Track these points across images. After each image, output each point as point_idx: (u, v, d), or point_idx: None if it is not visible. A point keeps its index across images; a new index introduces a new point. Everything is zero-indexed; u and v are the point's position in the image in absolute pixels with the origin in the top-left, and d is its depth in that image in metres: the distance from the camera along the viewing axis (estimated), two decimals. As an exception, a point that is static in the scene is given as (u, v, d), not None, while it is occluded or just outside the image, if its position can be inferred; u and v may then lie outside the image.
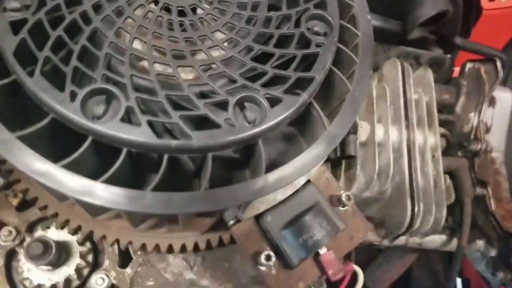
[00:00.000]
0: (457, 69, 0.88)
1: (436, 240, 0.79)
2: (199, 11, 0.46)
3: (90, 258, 0.59)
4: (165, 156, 0.39)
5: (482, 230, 0.80)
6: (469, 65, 0.83)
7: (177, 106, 0.41)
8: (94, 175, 0.38)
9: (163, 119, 0.39)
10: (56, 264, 0.55)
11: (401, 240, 0.78)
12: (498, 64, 0.79)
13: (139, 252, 0.59)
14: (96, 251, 0.61)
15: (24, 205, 0.60)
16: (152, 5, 0.46)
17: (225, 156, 0.49)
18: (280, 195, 0.49)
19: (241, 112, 0.41)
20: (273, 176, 0.41)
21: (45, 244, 0.51)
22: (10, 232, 0.58)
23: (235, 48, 0.44)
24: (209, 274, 0.60)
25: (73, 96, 0.38)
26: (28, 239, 0.56)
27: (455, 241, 0.78)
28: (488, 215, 0.79)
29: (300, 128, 0.48)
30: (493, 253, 0.81)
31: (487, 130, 0.81)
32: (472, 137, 0.80)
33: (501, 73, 0.78)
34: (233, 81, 0.42)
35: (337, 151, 0.67)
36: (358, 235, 0.52)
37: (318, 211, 0.50)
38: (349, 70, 0.48)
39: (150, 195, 0.38)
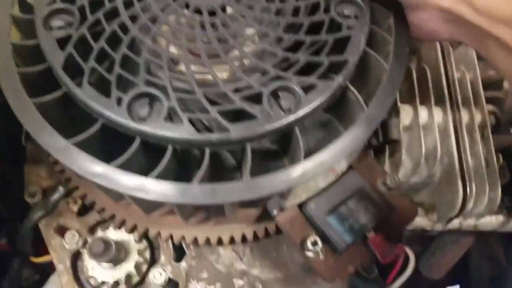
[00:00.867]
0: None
1: (492, 221, 0.76)
2: (228, 9, 0.48)
3: (147, 254, 0.62)
4: (207, 150, 0.41)
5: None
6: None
7: (214, 104, 0.43)
8: (144, 173, 0.41)
9: (204, 115, 0.41)
10: (116, 261, 0.58)
11: (455, 223, 0.76)
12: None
13: (192, 247, 0.62)
14: (152, 248, 0.64)
15: (84, 211, 0.64)
16: (184, 10, 0.48)
17: (263, 149, 0.50)
18: (322, 182, 0.50)
19: (276, 102, 0.42)
20: (312, 161, 0.41)
21: (106, 242, 0.55)
22: (73, 235, 0.62)
23: (265, 40, 0.45)
24: (258, 264, 0.62)
25: (119, 101, 0.41)
26: (90, 240, 0.60)
27: (513, 221, 0.75)
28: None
29: (338, 114, 0.49)
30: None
31: (539, 103, 0.77)
32: (523, 112, 0.77)
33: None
34: (267, 73, 0.43)
35: (379, 136, 0.66)
36: (407, 217, 0.51)
37: (362, 195, 0.50)
38: (385, 50, 0.47)
39: (197, 187, 0.40)
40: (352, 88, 0.44)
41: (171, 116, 0.42)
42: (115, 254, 0.56)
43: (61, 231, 0.63)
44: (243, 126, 0.40)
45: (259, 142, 0.52)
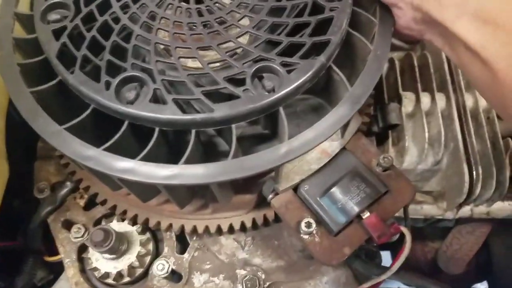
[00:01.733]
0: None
1: (505, 207, 0.73)
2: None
3: (150, 246, 0.63)
4: (193, 131, 0.42)
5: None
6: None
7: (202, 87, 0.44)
8: (135, 157, 0.42)
9: (188, 96, 0.42)
10: (118, 252, 0.59)
11: (466, 211, 0.74)
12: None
13: (194, 238, 0.63)
14: (156, 240, 0.65)
15: (90, 205, 0.66)
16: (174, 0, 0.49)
17: (256, 134, 0.51)
18: (316, 165, 0.50)
19: (260, 82, 0.42)
20: (297, 140, 0.41)
21: (106, 231, 0.56)
22: (79, 229, 0.64)
23: (249, 24, 0.46)
24: (260, 253, 0.62)
25: (108, 85, 0.42)
26: (92, 231, 0.62)
27: (529, 208, 0.72)
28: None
29: (326, 96, 0.49)
30: None
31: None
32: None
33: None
34: (251, 54, 0.44)
35: (379, 122, 0.65)
36: (404, 197, 0.50)
37: (355, 175, 0.49)
38: (370, 32, 0.48)
39: (183, 168, 0.40)
40: (336, 68, 0.44)
41: (161, 100, 0.43)
42: (115, 243, 0.57)
43: (68, 225, 0.65)
44: (227, 106, 0.41)
45: (252, 127, 0.52)
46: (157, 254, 0.65)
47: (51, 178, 0.68)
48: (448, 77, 0.70)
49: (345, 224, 0.48)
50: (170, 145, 0.46)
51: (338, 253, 0.48)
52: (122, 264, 0.61)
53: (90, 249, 0.61)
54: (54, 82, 0.45)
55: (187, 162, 0.41)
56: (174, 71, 0.46)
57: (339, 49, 0.45)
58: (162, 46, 0.46)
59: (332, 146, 0.50)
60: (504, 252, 0.92)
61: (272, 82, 0.42)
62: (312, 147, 0.42)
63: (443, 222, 0.82)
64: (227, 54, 0.44)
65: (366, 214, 0.48)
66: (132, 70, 0.43)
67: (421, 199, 0.76)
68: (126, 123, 0.42)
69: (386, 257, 0.75)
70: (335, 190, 0.48)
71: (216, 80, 0.42)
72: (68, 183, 0.66)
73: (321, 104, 0.51)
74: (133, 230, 0.63)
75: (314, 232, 0.48)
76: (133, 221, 0.60)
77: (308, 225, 0.47)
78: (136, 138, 0.44)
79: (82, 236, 0.64)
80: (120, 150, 0.42)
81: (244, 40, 0.47)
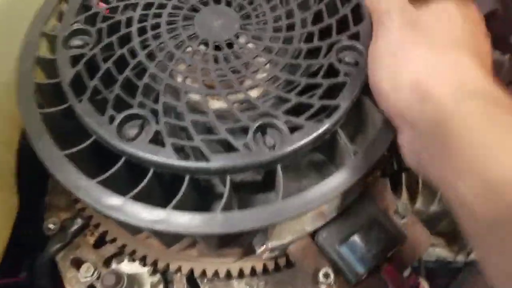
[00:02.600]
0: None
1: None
2: (234, 45, 0.49)
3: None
4: (187, 177, 0.41)
5: None
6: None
7: (211, 133, 0.44)
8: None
9: (187, 142, 0.42)
10: (129, 295, 0.58)
11: None
12: None
13: (205, 281, 0.61)
14: (166, 281, 0.62)
15: (100, 242, 0.64)
16: (195, 46, 0.49)
17: (256, 181, 0.50)
18: (310, 226, 0.48)
19: (262, 137, 0.42)
20: (292, 201, 0.40)
21: (118, 275, 0.55)
22: (89, 268, 0.61)
23: (264, 77, 0.46)
24: None
25: (111, 120, 0.43)
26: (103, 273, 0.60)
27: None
28: None
29: (330, 155, 0.48)
30: None
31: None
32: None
33: None
34: (257, 108, 0.43)
35: (394, 163, 0.64)
36: (420, 247, 0.49)
37: (374, 224, 0.48)
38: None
39: (170, 214, 0.40)
40: (341, 133, 0.43)
41: (163, 142, 0.43)
42: (126, 287, 0.56)
43: (77, 263, 0.63)
44: (224, 157, 0.40)
45: (253, 174, 0.52)
46: (166, 295, 0.63)
47: (61, 215, 0.66)
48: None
49: (364, 275, 0.46)
50: (166, 186, 0.45)
51: None
52: (132, 306, 0.59)
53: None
54: (62, 107, 0.46)
55: (178, 207, 0.40)
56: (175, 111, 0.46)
57: (350, 113, 0.44)
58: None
59: (330, 209, 0.49)
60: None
61: (274, 139, 0.41)
62: (307, 210, 0.41)
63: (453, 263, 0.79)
64: (235, 105, 0.44)
65: (385, 265, 0.46)
66: (139, 108, 0.43)
67: (434, 241, 0.74)
68: (122, 159, 0.42)
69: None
70: (355, 239, 0.47)
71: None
72: (79, 220, 0.64)
73: (323, 161, 0.50)
74: (144, 271, 0.61)
75: (332, 282, 0.46)
76: (143, 262, 0.58)
77: (326, 275, 0.46)
78: (132, 175, 0.44)
79: (92, 275, 0.60)
80: (114, 185, 0.42)
81: (256, 92, 0.46)
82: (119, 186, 0.42)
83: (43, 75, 0.52)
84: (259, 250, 0.49)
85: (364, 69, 0.43)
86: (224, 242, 0.50)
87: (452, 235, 0.72)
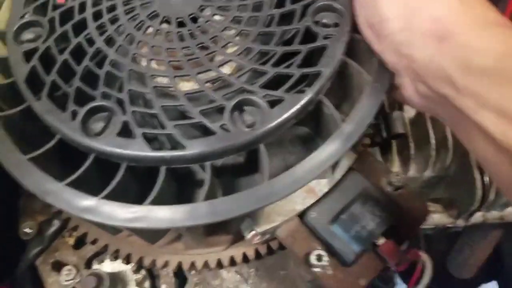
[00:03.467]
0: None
1: (520, 210, 0.68)
2: (199, 19, 0.45)
3: (146, 284, 0.59)
4: (162, 168, 0.38)
5: None
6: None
7: (185, 118, 0.40)
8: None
9: (160, 130, 0.38)
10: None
11: (478, 217, 0.69)
12: None
13: (193, 272, 0.58)
14: (152, 276, 0.61)
15: (80, 243, 0.61)
16: (153, 21, 0.45)
17: (238, 163, 0.46)
18: (301, 205, 0.45)
19: (240, 116, 0.38)
20: (279, 180, 0.37)
21: (98, 277, 0.52)
22: (70, 270, 0.58)
23: (234, 51, 0.42)
24: (265, 285, 0.57)
25: (74, 115, 0.39)
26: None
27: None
28: None
29: (316, 128, 0.44)
30: None
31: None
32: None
33: None
34: (232, 85, 0.40)
35: (382, 132, 0.61)
36: (418, 219, 0.46)
37: (367, 198, 0.45)
38: (370, 60, 0.43)
39: (149, 209, 0.36)
40: (327, 102, 0.39)
41: (131, 132, 0.40)
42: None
43: (58, 266, 0.60)
44: (200, 142, 0.37)
45: (234, 157, 0.48)
46: (154, 291, 0.60)
47: (37, 217, 0.63)
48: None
49: (360, 254, 0.44)
50: (142, 181, 0.42)
51: (353, 285, 0.43)
52: (118, 307, 0.57)
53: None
54: (20, 107, 0.42)
55: (156, 201, 0.37)
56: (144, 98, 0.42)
57: (333, 80, 0.41)
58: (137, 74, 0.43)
59: (320, 185, 0.46)
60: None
61: (253, 117, 0.38)
62: (296, 189, 0.38)
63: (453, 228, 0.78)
64: (207, 84, 0.40)
65: (381, 241, 0.44)
66: (103, 99, 0.39)
67: (431, 208, 0.72)
68: (91, 157, 0.38)
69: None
70: (347, 216, 0.45)
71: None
72: (56, 221, 0.61)
73: (309, 135, 0.46)
74: (127, 269, 0.58)
75: (326, 264, 0.43)
76: (127, 260, 0.55)
77: (319, 257, 0.44)
78: (104, 173, 0.40)
79: (74, 278, 0.58)
80: (85, 186, 0.38)
81: (229, 68, 0.43)
82: (91, 185, 0.39)
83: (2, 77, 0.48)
84: (248, 236, 0.46)
85: (346, 29, 0.40)
86: (211, 231, 0.47)
87: (449, 200, 0.70)
